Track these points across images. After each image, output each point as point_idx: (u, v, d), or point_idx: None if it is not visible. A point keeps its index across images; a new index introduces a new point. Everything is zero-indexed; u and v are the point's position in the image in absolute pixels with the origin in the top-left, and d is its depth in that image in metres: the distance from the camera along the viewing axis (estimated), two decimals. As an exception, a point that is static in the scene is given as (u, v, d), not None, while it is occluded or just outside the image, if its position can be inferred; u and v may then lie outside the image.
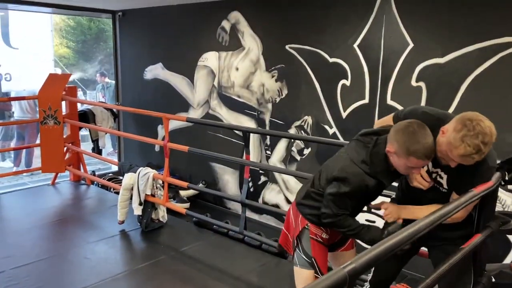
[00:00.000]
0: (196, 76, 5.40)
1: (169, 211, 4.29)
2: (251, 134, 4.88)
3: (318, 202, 2.03)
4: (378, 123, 2.19)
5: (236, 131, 4.88)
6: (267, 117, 4.75)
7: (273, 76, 4.62)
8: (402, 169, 1.85)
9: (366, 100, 3.93)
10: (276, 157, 4.73)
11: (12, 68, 6.58)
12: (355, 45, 3.93)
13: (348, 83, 4.04)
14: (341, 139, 4.09)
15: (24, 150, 6.87)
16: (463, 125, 1.74)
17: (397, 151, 1.80)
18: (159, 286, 3.13)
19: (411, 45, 3.56)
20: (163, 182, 4.09)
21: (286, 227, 2.26)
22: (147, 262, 3.51)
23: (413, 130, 1.79)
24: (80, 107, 5.88)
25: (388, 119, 2.11)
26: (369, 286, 2.22)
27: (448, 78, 3.38)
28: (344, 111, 4.11)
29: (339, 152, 2.09)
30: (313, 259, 2.09)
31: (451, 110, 3.33)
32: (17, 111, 6.83)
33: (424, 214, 1.86)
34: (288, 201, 4.69)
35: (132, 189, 4.07)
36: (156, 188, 4.08)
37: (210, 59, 5.21)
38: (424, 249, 2.26)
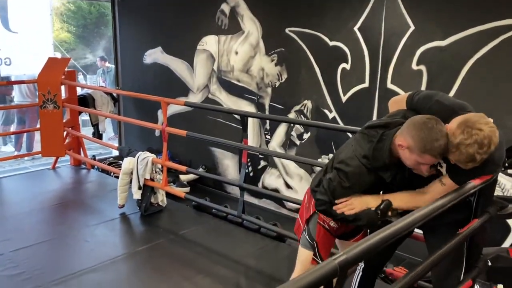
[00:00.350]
0: (195, 60, 5.36)
1: (169, 195, 4.30)
2: (251, 119, 4.87)
3: None
4: (392, 102, 2.13)
5: (236, 116, 4.85)
6: (266, 102, 4.72)
7: (272, 60, 4.58)
8: (411, 163, 1.82)
9: (366, 84, 3.89)
10: (276, 142, 4.71)
11: (12, 52, 6.52)
12: (356, 28, 3.87)
13: (348, 67, 4.00)
14: (341, 124, 4.07)
15: (25, 135, 6.87)
16: (461, 131, 1.69)
17: (410, 146, 1.75)
18: (157, 269, 3.15)
19: (412, 27, 3.51)
20: (162, 167, 4.09)
21: (300, 213, 2.25)
22: (145, 245, 3.53)
23: (431, 126, 1.73)
24: (80, 91, 5.87)
25: (401, 99, 2.05)
26: (363, 265, 2.22)
27: (449, 61, 3.33)
28: (344, 95, 4.07)
29: (349, 140, 2.05)
30: (315, 242, 2.09)
31: (451, 94, 3.29)
32: (17, 95, 6.81)
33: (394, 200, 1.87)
34: (288, 186, 4.69)
35: (131, 173, 4.08)
36: (155, 172, 4.09)
37: (209, 43, 5.16)
38: (420, 232, 2.26)
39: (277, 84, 4.59)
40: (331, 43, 4.07)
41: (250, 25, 4.72)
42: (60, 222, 3.97)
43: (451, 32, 3.30)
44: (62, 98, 5.16)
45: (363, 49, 3.85)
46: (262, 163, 4.93)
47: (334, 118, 4.18)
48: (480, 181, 1.75)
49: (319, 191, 1.96)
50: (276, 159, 4.76)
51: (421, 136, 1.72)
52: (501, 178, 3.14)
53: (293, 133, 4.55)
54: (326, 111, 4.22)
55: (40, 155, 5.43)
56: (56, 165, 5.46)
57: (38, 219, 3.97)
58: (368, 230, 2.29)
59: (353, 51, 3.93)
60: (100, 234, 3.72)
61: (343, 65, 4.02)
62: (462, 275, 2.03)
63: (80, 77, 9.70)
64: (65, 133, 5.32)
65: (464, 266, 2.03)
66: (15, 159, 6.48)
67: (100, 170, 5.51)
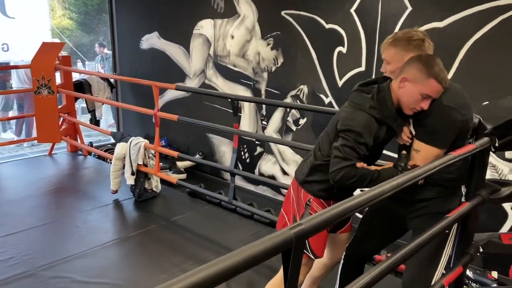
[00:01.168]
0: (191, 45, 5.27)
1: (166, 182, 4.27)
2: (247, 105, 4.80)
3: (327, 174, 1.89)
4: None
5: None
6: (262, 87, 4.64)
7: (268, 44, 4.48)
8: (414, 100, 1.75)
9: (363, 68, 3.79)
10: (272, 128, 4.64)
11: (9, 38, 6.48)
12: (352, 10, 3.76)
13: (344, 50, 3.89)
14: (337, 108, 3.98)
15: (24, 121, 6.85)
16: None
17: (415, 76, 1.74)
18: (147, 255, 3.13)
19: (410, 8, 3.39)
20: (155, 152, 4.05)
21: (285, 209, 2.14)
22: (137, 231, 3.51)
23: (429, 56, 1.78)
24: (78, 77, 5.81)
25: None
26: (344, 253, 2.17)
27: (447, 42, 3.22)
28: (340, 79, 3.98)
29: (340, 109, 1.96)
30: None
31: (449, 76, 3.18)
32: (15, 81, 6.77)
33: None
34: (284, 172, 4.63)
35: (124, 158, 4.04)
36: (148, 158, 4.05)
37: (205, 27, 5.07)
38: None
39: (273, 68, 4.50)
40: (327, 26, 3.96)
41: (246, 8, 4.61)
42: (53, 208, 3.95)
43: (449, 12, 3.18)
44: (58, 83, 5.11)
45: (359, 31, 3.75)
46: (259, 149, 4.87)
47: (330, 103, 4.09)
48: (460, 152, 1.67)
49: (333, 162, 1.81)
50: (272, 145, 4.69)
51: (422, 64, 1.74)
52: (498, 163, 3.05)
53: (289, 118, 4.47)
54: (322, 96, 4.13)
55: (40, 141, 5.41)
56: (53, 152, 5.45)
57: (31, 204, 3.96)
58: (352, 221, 2.22)
59: (350, 33, 3.82)
60: (92, 220, 3.71)
61: (339, 48, 3.92)
62: (437, 273, 1.96)
63: (79, 64, 9.65)
64: (61, 119, 5.30)
65: (441, 263, 1.96)
66: (15, 146, 6.48)
67: (97, 156, 5.49)
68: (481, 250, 2.22)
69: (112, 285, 2.72)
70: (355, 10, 3.75)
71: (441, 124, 1.74)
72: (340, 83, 3.98)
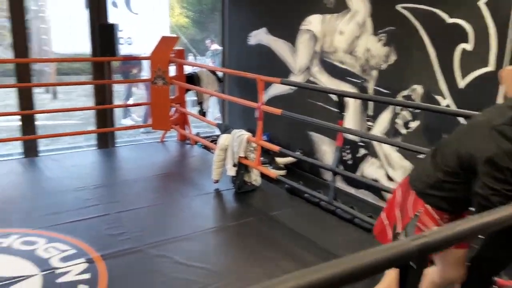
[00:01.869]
0: (298, 41, 5.22)
1: (264, 177, 4.30)
2: (353, 105, 4.60)
3: (453, 187, 1.75)
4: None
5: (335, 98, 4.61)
6: (370, 86, 4.41)
7: (380, 40, 4.24)
8: None
9: (491, 68, 3.38)
10: (378, 130, 4.39)
11: (133, 33, 7.10)
12: (481, 3, 3.37)
13: (469, 47, 3.51)
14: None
15: (145, 109, 7.46)
16: None
17: None
18: (242, 246, 3.17)
19: (556, -1, 2.93)
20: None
21: (388, 213, 1.99)
22: (235, 221, 3.58)
23: None
24: (190, 70, 6.15)
25: None
26: (469, 264, 1.92)
27: None
28: (462, 80, 3.60)
29: (473, 123, 1.74)
30: None
31: None
32: (145, 73, 7.43)
33: None
34: (390, 178, 4.35)
35: (227, 150, 4.15)
36: (249, 151, 4.10)
37: (313, 22, 4.97)
38: None
39: (384, 66, 4.25)
40: (450, 20, 3.61)
41: (358, 2, 4.42)
42: (161, 191, 4.23)
43: None
44: (172, 75, 5.45)
45: (488, 26, 3.34)
46: (362, 151, 4.65)
47: (448, 106, 3.72)
48: None
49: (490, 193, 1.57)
50: (377, 148, 4.44)
51: None
52: None
53: (398, 120, 4.18)
54: (439, 97, 3.78)
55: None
56: (165, 139, 5.84)
57: (142, 186, 4.28)
58: None
59: (476, 29, 3.43)
60: (196, 206, 3.88)
61: (462, 45, 3.54)
62: None
63: (191, 58, 10.25)
64: (173, 109, 5.65)
65: None
66: (133, 131, 7.12)
67: (203, 146, 5.76)
68: None
69: (210, 271, 2.80)
70: (486, 3, 3.35)
71: None
72: (461, 84, 3.60)
